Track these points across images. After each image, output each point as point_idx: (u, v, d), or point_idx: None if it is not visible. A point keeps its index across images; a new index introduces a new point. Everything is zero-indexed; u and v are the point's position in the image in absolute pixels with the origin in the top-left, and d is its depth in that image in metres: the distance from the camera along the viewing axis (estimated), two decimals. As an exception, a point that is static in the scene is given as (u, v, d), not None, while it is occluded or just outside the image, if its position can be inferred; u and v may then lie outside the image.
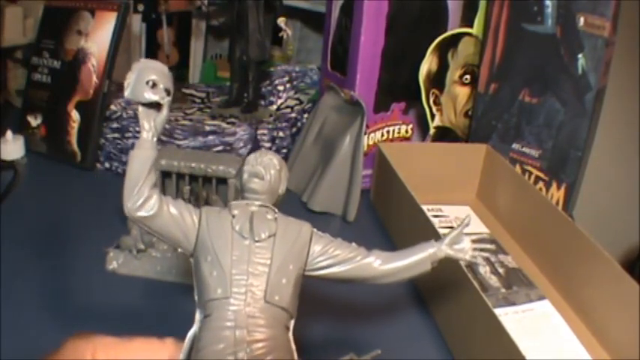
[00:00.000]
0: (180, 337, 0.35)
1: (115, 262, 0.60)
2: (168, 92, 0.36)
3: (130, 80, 0.36)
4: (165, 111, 0.37)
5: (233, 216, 0.37)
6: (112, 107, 0.82)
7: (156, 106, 0.36)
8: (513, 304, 0.60)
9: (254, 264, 0.35)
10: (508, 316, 0.58)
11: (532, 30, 0.76)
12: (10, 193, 0.73)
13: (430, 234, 0.57)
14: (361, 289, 0.61)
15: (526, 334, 0.55)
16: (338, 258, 0.38)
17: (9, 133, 0.81)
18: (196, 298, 0.36)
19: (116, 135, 0.81)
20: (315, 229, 0.39)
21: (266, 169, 0.39)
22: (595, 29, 0.71)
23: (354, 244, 0.40)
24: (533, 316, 0.59)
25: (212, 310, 0.34)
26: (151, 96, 0.36)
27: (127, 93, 0.36)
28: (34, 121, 0.85)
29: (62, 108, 0.83)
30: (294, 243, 0.37)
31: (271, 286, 0.35)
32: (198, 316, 0.35)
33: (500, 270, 0.66)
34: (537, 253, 0.68)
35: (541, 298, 0.61)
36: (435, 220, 0.68)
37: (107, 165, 0.82)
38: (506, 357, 0.44)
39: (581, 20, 0.72)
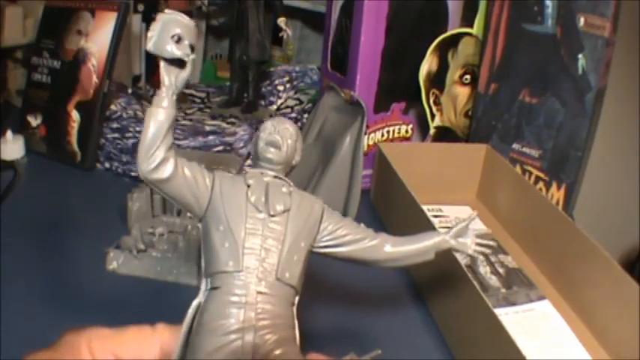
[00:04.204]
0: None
1: (115, 262, 0.60)
2: (192, 49, 0.34)
3: (153, 32, 0.33)
4: (188, 69, 0.34)
5: (248, 186, 0.35)
6: (112, 107, 0.82)
7: (178, 62, 0.34)
8: (513, 304, 0.60)
9: (267, 239, 0.34)
10: (508, 316, 0.58)
11: (532, 30, 0.76)
12: (10, 193, 0.73)
13: (430, 234, 0.58)
14: (361, 288, 0.61)
15: (526, 334, 0.55)
16: (346, 238, 0.37)
17: (9, 133, 0.81)
18: (203, 267, 0.34)
19: (116, 135, 0.81)
20: (326, 206, 0.37)
21: (283, 138, 0.38)
22: (595, 29, 0.71)
23: (362, 225, 0.39)
24: (534, 316, 0.59)
25: (221, 283, 0.33)
26: (174, 51, 0.33)
27: (149, 45, 0.33)
28: (34, 121, 0.85)
29: (62, 108, 0.83)
30: (306, 220, 0.36)
31: (283, 263, 0.33)
32: (203, 286, 0.34)
33: (501, 270, 0.66)
34: (537, 253, 0.68)
35: (541, 298, 0.61)
36: (435, 220, 0.68)
37: (107, 165, 0.81)
38: (506, 357, 0.44)
39: (581, 20, 0.72)
